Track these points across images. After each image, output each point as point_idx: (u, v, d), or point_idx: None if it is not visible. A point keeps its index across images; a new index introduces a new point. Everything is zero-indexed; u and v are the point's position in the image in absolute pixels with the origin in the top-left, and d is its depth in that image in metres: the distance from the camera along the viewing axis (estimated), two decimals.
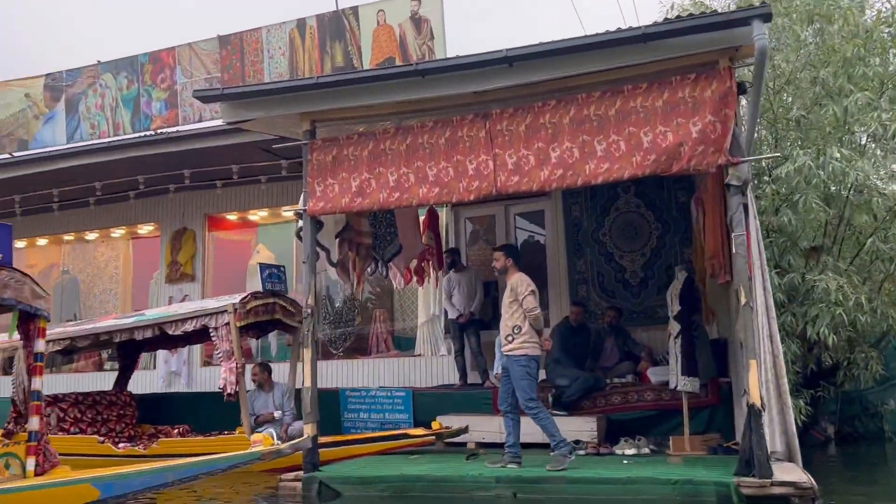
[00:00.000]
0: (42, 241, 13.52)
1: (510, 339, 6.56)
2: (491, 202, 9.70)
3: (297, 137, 7.59)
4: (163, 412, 10.36)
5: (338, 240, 7.77)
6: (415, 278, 9.27)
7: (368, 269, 8.44)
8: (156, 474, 4.65)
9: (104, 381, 11.97)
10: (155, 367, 11.92)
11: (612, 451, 7.44)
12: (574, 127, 6.08)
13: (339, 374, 10.77)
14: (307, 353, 6.81)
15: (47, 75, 10.61)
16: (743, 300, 5.65)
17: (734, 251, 5.74)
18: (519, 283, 6.58)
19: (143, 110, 10.06)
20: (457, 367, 9.81)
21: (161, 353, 11.64)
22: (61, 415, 9.31)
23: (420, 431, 7.97)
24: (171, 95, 9.87)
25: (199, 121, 9.79)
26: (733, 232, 5.76)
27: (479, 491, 5.95)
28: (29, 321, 5.46)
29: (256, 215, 12.11)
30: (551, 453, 6.31)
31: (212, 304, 8.68)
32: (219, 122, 9.82)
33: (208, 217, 12.15)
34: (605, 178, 6.00)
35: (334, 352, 11.16)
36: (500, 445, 7.86)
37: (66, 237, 13.19)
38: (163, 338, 9.34)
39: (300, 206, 7.08)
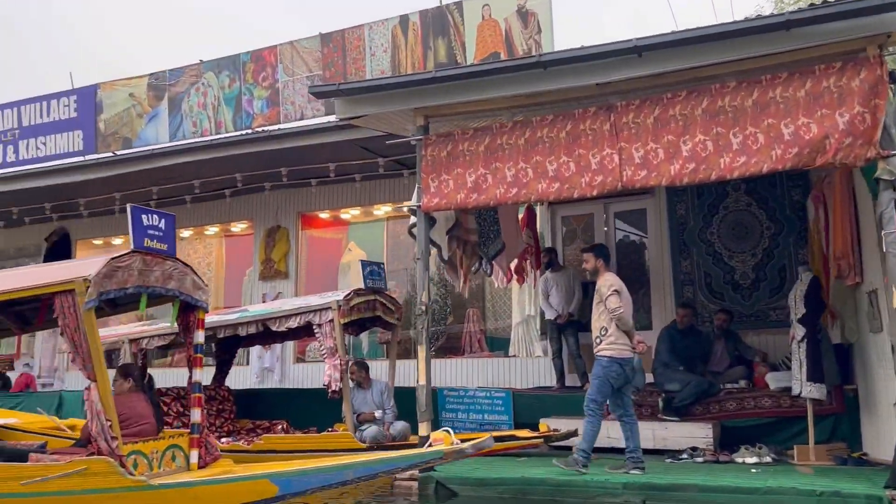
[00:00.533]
0: None
1: (598, 340, 6.46)
2: (589, 200, 9.45)
3: (404, 134, 7.51)
4: (257, 408, 10.41)
5: (447, 237, 7.63)
6: (515, 277, 9.07)
7: (474, 268, 8.28)
8: (336, 471, 4.53)
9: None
10: (248, 363, 12.02)
11: (731, 458, 7.10)
12: (707, 119, 5.80)
13: (432, 373, 10.61)
14: (421, 351, 6.70)
15: (151, 75, 10.81)
16: None
17: (885, 250, 5.36)
18: (603, 284, 6.42)
19: (244, 108, 10.13)
20: (554, 369, 9.57)
21: (255, 350, 11.74)
22: (164, 409, 9.43)
23: (527, 433, 7.76)
24: (272, 94, 9.92)
25: (300, 119, 9.80)
26: (883, 230, 5.38)
27: (605, 497, 5.72)
28: (189, 312, 5.43)
29: (348, 213, 12.11)
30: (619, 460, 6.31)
31: (315, 300, 8.66)
32: (319, 120, 9.89)
33: (301, 215, 12.21)
34: (741, 173, 5.71)
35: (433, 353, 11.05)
36: (604, 450, 7.67)
37: None
38: (262, 334, 9.39)
39: (413, 202, 6.97)
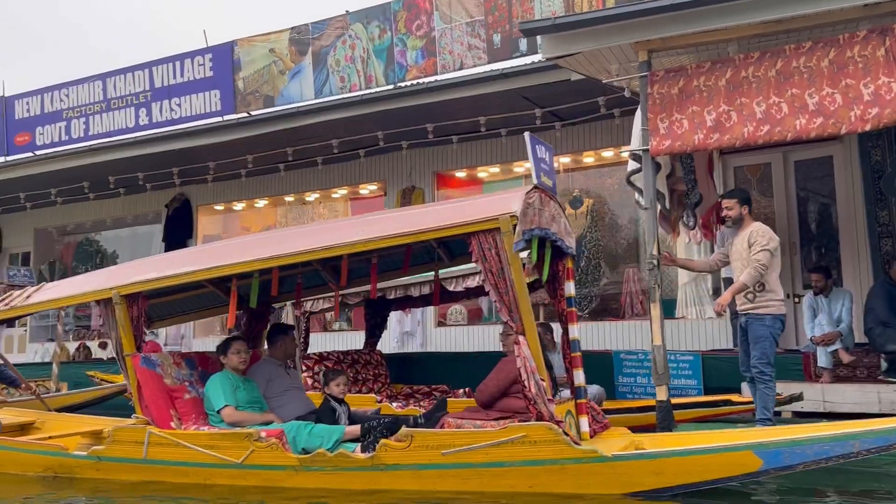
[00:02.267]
0: (261, 203, 13.40)
1: (750, 296, 5.80)
2: (765, 148, 8.62)
3: (598, 77, 6.80)
4: (405, 372, 9.95)
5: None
6: (700, 232, 8.32)
7: (682, 220, 7.57)
8: (838, 442, 3.78)
9: (334, 341, 11.79)
10: (387, 328, 11.55)
11: None
12: None
13: (594, 336, 10.01)
14: (654, 309, 6.05)
15: (292, 28, 10.21)
16: None
17: None
18: (761, 234, 5.76)
19: (397, 60, 9.47)
20: (733, 331, 8.85)
21: (394, 314, 11.25)
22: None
23: (742, 398, 7.08)
24: (428, 43, 9.23)
25: (459, 69, 9.11)
26: None
27: None
28: (559, 260, 4.74)
29: (486, 172, 11.48)
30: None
31: None
32: (479, 70, 9.20)
33: (437, 175, 11.62)
34: None
35: (579, 313, 10.41)
36: (819, 415, 7.00)
37: (288, 198, 12.98)
38: (424, 297, 8.88)
39: (636, 145, 6.27)
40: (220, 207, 13.76)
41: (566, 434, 4.30)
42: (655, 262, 6.06)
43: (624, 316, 10.16)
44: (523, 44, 8.70)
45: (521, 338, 4.51)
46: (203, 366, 5.98)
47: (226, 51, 10.70)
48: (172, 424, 5.38)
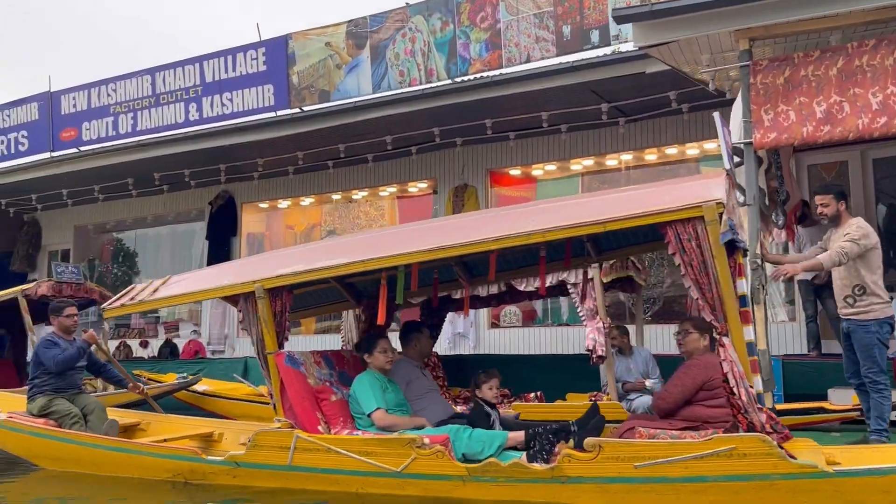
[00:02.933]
0: (307, 201, 13.16)
1: (850, 300, 5.52)
2: (842, 146, 8.27)
3: (684, 70, 6.48)
4: (459, 376, 9.65)
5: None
6: (785, 232, 7.95)
7: (773, 217, 7.23)
8: None
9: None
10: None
11: None
12: None
13: (656, 339, 9.68)
14: (758, 312, 5.70)
15: (349, 21, 9.95)
16: None
17: None
18: (857, 228, 5.44)
19: (459, 54, 9.18)
20: (808, 335, 8.50)
21: (448, 315, 10.96)
22: None
23: (841, 406, 6.73)
24: (493, 35, 8.92)
25: (526, 62, 8.80)
26: None
27: None
28: (731, 254, 4.30)
29: (542, 169, 11.17)
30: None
31: None
32: (546, 63, 8.90)
33: (491, 172, 11.32)
34: None
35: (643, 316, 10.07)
36: None
37: (335, 196, 12.73)
38: (495, 296, 8.55)
39: (736, 138, 5.93)
40: (264, 205, 13.55)
41: (780, 447, 3.92)
42: (759, 261, 5.73)
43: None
44: (595, 35, 8.39)
45: (725, 340, 4.16)
46: (340, 365, 5.58)
47: (280, 45, 10.46)
48: (320, 428, 4.95)
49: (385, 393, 5.05)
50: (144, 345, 14.32)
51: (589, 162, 10.70)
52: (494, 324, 11.14)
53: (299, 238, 13.66)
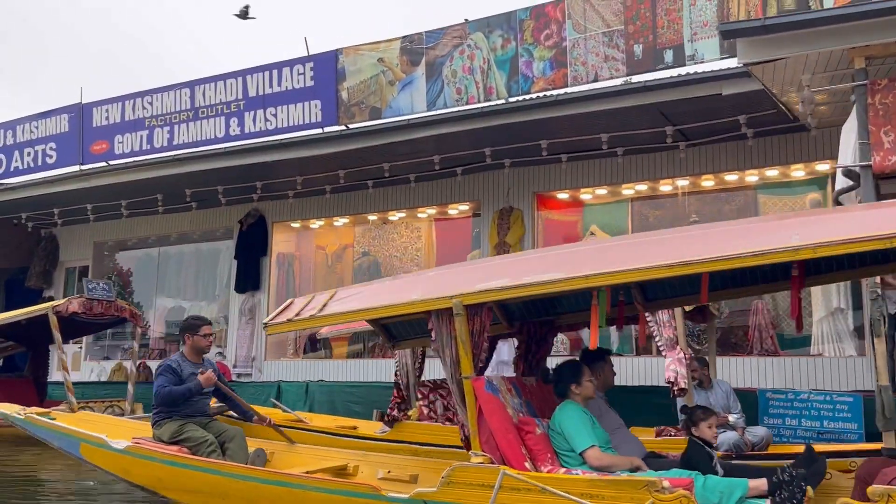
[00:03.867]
0: (340, 221, 12.78)
1: None
2: None
3: (776, 93, 6.17)
4: None
5: None
6: None
7: None
8: None
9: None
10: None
11: None
12: None
13: (720, 372, 9.28)
14: (878, 345, 5.34)
15: (404, 38, 9.64)
16: None
17: None
18: None
19: (521, 71, 8.86)
20: (887, 369, 8.12)
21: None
22: (445, 402, 8.31)
23: None
24: (558, 53, 8.62)
25: (594, 81, 8.49)
26: None
27: None
28: None
29: (591, 193, 10.84)
30: None
31: None
32: (615, 83, 8.60)
33: (537, 195, 10.98)
34: None
35: (698, 347, 9.68)
36: None
37: (371, 217, 12.35)
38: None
39: (850, 161, 5.61)
40: (296, 225, 13.16)
41: None
42: (879, 290, 5.37)
43: (752, 352, 9.41)
44: (669, 55, 8.10)
45: None
46: (525, 394, 4.97)
47: (329, 59, 10.14)
48: (526, 465, 4.38)
49: (594, 428, 4.56)
50: None
51: (642, 187, 10.38)
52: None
53: (330, 259, 13.26)
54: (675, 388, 6.93)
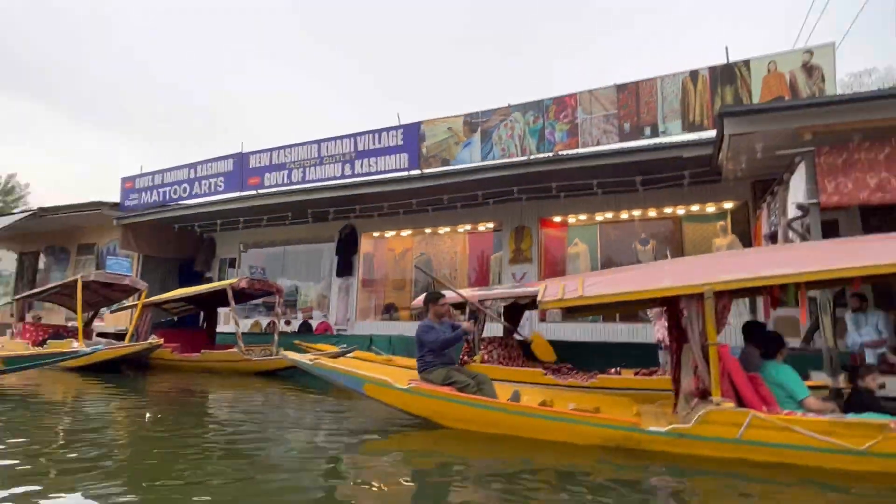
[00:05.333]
0: (406, 232, 12.19)
1: None
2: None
3: (740, 154, 5.80)
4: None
5: None
6: None
7: None
8: None
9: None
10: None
11: None
12: None
13: None
14: None
15: (466, 114, 9.17)
16: None
17: None
18: None
19: (547, 138, 8.45)
20: None
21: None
22: (501, 351, 7.79)
23: None
24: (572, 128, 8.23)
25: (596, 145, 8.10)
26: None
27: None
28: None
29: (575, 218, 10.43)
30: None
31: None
32: (611, 147, 8.21)
33: (541, 219, 10.55)
34: None
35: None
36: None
37: (427, 230, 11.79)
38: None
39: (805, 199, 5.26)
40: (376, 234, 12.52)
41: None
42: None
43: None
44: (647, 130, 7.74)
45: None
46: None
47: (414, 127, 9.60)
48: (764, 409, 3.80)
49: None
50: (288, 323, 13.04)
51: (609, 215, 10.00)
52: (542, 318, 10.28)
53: (397, 257, 12.67)
54: (663, 343, 6.56)
